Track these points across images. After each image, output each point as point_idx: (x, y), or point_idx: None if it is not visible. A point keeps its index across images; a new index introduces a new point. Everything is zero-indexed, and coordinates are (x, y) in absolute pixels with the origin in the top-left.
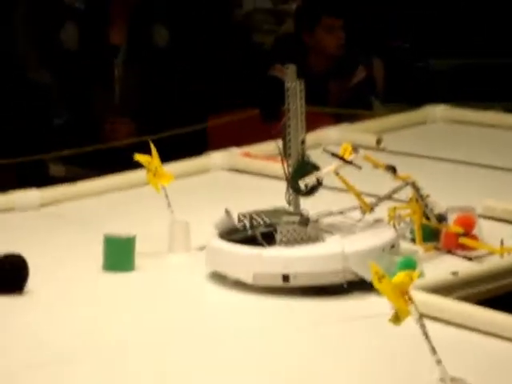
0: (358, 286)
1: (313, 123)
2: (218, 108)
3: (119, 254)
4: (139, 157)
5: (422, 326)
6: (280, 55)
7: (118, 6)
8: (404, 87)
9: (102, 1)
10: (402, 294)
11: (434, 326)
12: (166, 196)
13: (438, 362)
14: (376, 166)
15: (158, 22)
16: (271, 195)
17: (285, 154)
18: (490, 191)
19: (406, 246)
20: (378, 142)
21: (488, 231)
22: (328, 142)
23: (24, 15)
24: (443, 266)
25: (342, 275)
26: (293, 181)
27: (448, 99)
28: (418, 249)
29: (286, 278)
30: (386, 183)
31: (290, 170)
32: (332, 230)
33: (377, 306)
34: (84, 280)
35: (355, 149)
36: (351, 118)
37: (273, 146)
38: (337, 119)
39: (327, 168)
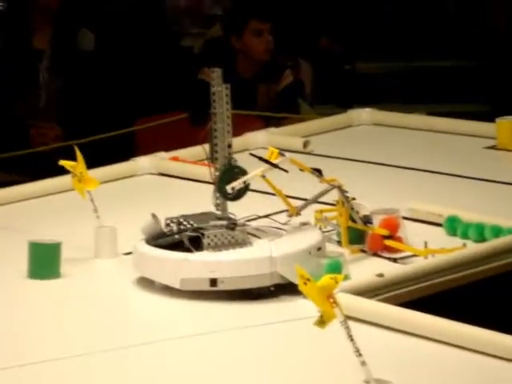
0: (286, 289)
1: (242, 127)
2: (145, 112)
3: (44, 261)
4: (64, 162)
5: (347, 329)
6: (208, 59)
7: (40, 10)
8: (332, 90)
9: (23, 5)
10: (328, 296)
11: (360, 328)
12: (92, 201)
13: (363, 363)
14: (302, 169)
15: (84, 25)
16: (199, 199)
17: (212, 157)
18: (414, 193)
19: (332, 248)
20: (305, 145)
21: (412, 233)
22: (255, 145)
23: None
24: (369, 268)
25: (270, 279)
26: (220, 185)
27: (375, 102)
28: (345, 251)
29: (213, 282)
30: (313, 186)
31: (217, 173)
32: (259, 233)
33: (304, 309)
34: (8, 287)
35: (281, 152)
36: (279, 122)
37: (200, 150)
38: (265, 123)
39: (254, 172)
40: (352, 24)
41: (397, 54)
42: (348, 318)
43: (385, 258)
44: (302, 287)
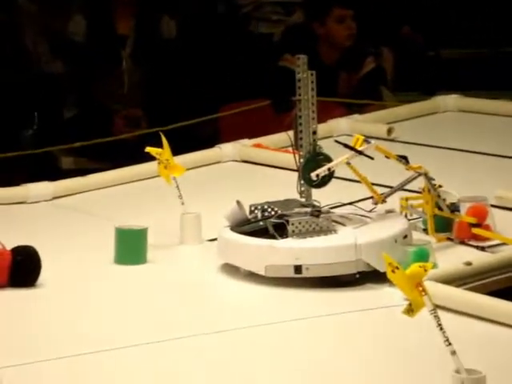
0: (371, 277)
1: (324, 113)
2: (228, 99)
3: (131, 247)
4: (150, 149)
5: (436, 317)
6: (290, 46)
7: None
8: (415, 77)
9: None
10: (416, 285)
11: (448, 317)
12: (177, 187)
13: (453, 352)
14: (388, 156)
15: (165, 13)
16: (283, 186)
17: (296, 145)
18: (502, 181)
19: (418, 236)
20: (389, 132)
21: (501, 221)
22: (339, 132)
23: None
24: (456, 257)
25: (355, 266)
26: (304, 172)
27: (459, 88)
28: (431, 239)
29: (298, 269)
30: (399, 174)
31: (302, 161)
32: (344, 221)
33: (389, 297)
34: (96, 273)
35: (367, 139)
36: (361, 109)
37: (284, 137)
38: (347, 110)
39: (339, 159)
40: (436, 10)
41: (481, 39)
42: (436, 306)
43: (472, 246)
44: (390, 275)
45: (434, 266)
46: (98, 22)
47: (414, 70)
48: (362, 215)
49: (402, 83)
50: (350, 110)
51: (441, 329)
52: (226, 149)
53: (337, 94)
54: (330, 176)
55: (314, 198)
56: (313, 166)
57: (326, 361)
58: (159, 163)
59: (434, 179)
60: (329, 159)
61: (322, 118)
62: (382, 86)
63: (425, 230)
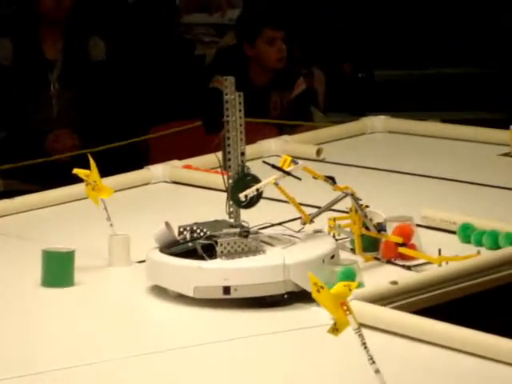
0: (299, 297)
1: (255, 134)
2: (159, 120)
3: (58, 269)
4: (78, 171)
5: (360, 336)
6: (221, 67)
7: (48, 20)
8: (345, 98)
9: (32, 16)
10: (341, 304)
11: (373, 336)
12: (105, 209)
13: (377, 371)
14: (315, 176)
15: (95, 34)
16: (212, 207)
17: (225, 166)
18: (428, 201)
19: (346, 256)
20: (318, 152)
21: (426, 240)
22: (269, 153)
23: None
24: (383, 276)
25: (283, 286)
26: (233, 192)
27: (389, 110)
28: (358, 259)
29: (226, 290)
30: (326, 194)
31: (230, 182)
32: (272, 241)
33: (317, 316)
34: (22, 296)
35: (294, 160)
36: (293, 130)
37: (214, 158)
38: (278, 131)
39: (267, 179)
40: (367, 32)
41: (411, 61)
42: (362, 325)
43: (399, 265)
44: (315, 295)
45: (360, 285)
46: (25, 46)
47: (345, 92)
48: (290, 235)
49: (333, 104)
50: (281, 130)
51: (365, 347)
52: (156, 170)
53: (268, 115)
54: (258, 197)
55: (242, 218)
56: (241, 187)
57: (253, 381)
58: (87, 185)
59: (360, 199)
60: (257, 180)
61: (253, 139)
62: (312, 107)
63: (352, 250)
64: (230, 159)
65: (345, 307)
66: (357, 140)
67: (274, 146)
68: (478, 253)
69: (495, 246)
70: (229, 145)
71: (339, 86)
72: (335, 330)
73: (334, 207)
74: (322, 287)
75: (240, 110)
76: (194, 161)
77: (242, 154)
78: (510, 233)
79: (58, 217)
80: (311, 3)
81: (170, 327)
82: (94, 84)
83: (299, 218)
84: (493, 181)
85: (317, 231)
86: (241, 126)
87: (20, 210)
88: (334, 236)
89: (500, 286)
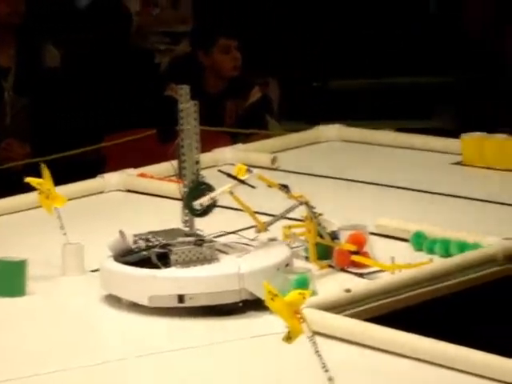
0: (254, 305)
1: (210, 143)
2: (114, 128)
3: (10, 278)
4: (30, 179)
5: (314, 344)
6: (176, 75)
7: (4, 26)
8: (300, 107)
9: None
10: (295, 312)
11: (327, 344)
12: (59, 218)
13: (330, 379)
14: (270, 185)
15: (48, 42)
16: (167, 216)
17: (179, 174)
18: (381, 209)
19: (300, 264)
20: (273, 161)
21: (379, 248)
22: (223, 161)
23: None
24: (336, 284)
25: (238, 295)
26: (187, 201)
27: (344, 118)
28: (312, 267)
29: (181, 298)
30: (281, 202)
31: (185, 190)
32: (227, 249)
33: (272, 324)
34: None
35: (249, 169)
36: (247, 138)
37: (168, 167)
38: (233, 139)
39: (222, 188)
40: (322, 42)
41: (366, 70)
42: (315, 333)
43: (352, 273)
44: (269, 303)
45: (314, 293)
46: None
47: (300, 100)
48: (245, 244)
49: (288, 113)
50: (235, 139)
51: (318, 355)
52: (110, 178)
53: (223, 123)
54: (213, 205)
55: (197, 227)
56: (196, 196)
57: None
58: (40, 193)
59: (315, 208)
60: (212, 188)
61: (208, 147)
62: (267, 116)
63: (307, 258)
64: (184, 167)
65: (298, 315)
66: (311, 148)
67: (229, 155)
68: (431, 261)
69: (447, 254)
70: (183, 153)
71: (293, 94)
72: (289, 338)
73: (288, 215)
74: (275, 295)
75: (195, 119)
76: (148, 169)
77: (197, 162)
78: (461, 241)
79: (11, 226)
80: (265, 13)
81: (124, 336)
82: (48, 91)
83: (254, 226)
84: (445, 189)
85: (272, 239)
86: (196, 134)
87: None
88: (288, 244)
89: (452, 293)
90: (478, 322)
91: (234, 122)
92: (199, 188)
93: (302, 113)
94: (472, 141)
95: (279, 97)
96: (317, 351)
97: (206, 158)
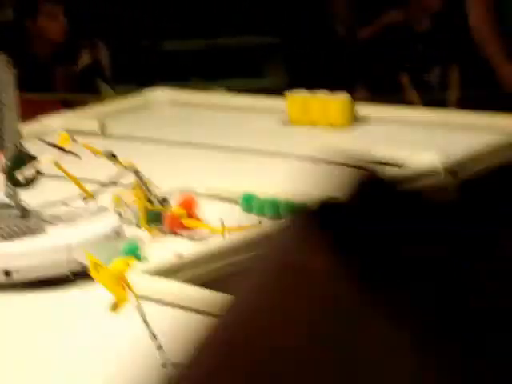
0: (85, 276)
1: (40, 111)
2: None
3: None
4: None
5: (141, 312)
6: (2, 43)
7: None
8: (132, 69)
9: None
10: (120, 280)
11: (158, 310)
12: None
13: (159, 347)
14: (96, 153)
15: None
16: None
17: (0, 146)
18: (211, 171)
19: (131, 231)
20: (102, 127)
21: (210, 211)
22: (51, 130)
23: None
24: (168, 249)
25: (67, 266)
26: (9, 173)
27: (178, 79)
28: (144, 233)
29: (7, 273)
30: (109, 170)
31: (7, 162)
32: (55, 220)
33: (102, 295)
34: None
35: (72, 137)
36: (80, 104)
37: None
38: (66, 106)
39: (45, 158)
40: (152, 4)
41: (198, 31)
42: (147, 299)
43: (184, 237)
44: (93, 274)
45: (143, 259)
46: None
47: (131, 62)
48: (72, 214)
49: (120, 75)
50: (67, 106)
51: (145, 322)
52: None
53: (55, 89)
54: (36, 176)
55: (22, 198)
56: (18, 167)
57: (37, 363)
58: None
59: (143, 174)
60: (35, 159)
61: (36, 115)
62: (99, 80)
63: (137, 225)
64: (5, 139)
65: (123, 283)
66: (141, 113)
67: (56, 123)
68: (260, 222)
69: (277, 215)
70: (3, 124)
71: (124, 56)
72: (115, 307)
73: (117, 183)
74: (99, 265)
75: (13, 88)
76: None
77: (18, 132)
78: (289, 201)
79: None
80: None
81: None
82: None
83: (82, 196)
84: (272, 149)
85: (101, 208)
86: (14, 103)
87: None
88: (118, 212)
89: None
90: None
91: (64, 88)
92: (21, 159)
93: (133, 75)
94: (296, 98)
95: (109, 60)
96: (144, 319)
97: (31, 127)
